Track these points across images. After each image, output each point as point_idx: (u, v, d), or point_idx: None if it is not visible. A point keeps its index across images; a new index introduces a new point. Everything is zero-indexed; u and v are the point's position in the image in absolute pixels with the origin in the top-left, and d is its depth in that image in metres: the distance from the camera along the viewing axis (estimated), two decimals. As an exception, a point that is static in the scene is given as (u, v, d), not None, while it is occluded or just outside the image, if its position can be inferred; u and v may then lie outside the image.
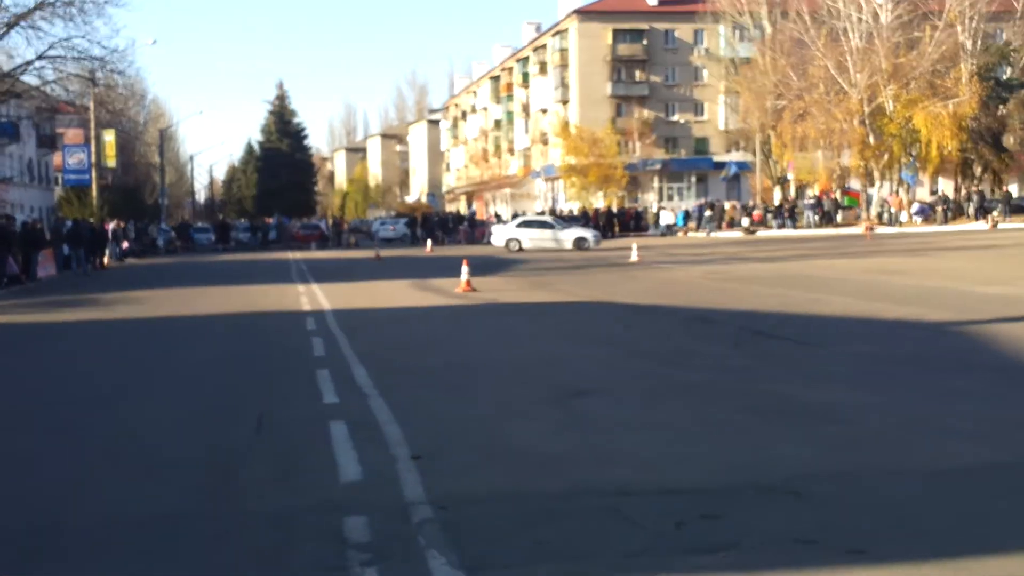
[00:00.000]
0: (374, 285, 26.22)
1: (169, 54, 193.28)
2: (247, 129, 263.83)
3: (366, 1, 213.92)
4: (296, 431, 8.39)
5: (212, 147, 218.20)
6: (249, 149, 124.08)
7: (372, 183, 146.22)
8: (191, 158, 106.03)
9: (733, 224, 62.80)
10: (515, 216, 71.85)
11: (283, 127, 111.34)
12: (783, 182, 68.24)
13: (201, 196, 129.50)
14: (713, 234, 59.72)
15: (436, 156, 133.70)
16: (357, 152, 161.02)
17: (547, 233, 45.03)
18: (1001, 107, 61.98)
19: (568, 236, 44.67)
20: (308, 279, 28.77)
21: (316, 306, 19.88)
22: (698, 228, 63.08)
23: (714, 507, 5.93)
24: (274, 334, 15.99)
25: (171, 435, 8.52)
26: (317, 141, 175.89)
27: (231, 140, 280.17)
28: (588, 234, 45.55)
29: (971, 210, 57.42)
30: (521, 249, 43.83)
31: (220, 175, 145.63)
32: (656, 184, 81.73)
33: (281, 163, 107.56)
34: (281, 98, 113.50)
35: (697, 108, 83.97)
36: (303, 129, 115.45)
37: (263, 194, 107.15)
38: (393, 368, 11.56)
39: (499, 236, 46.64)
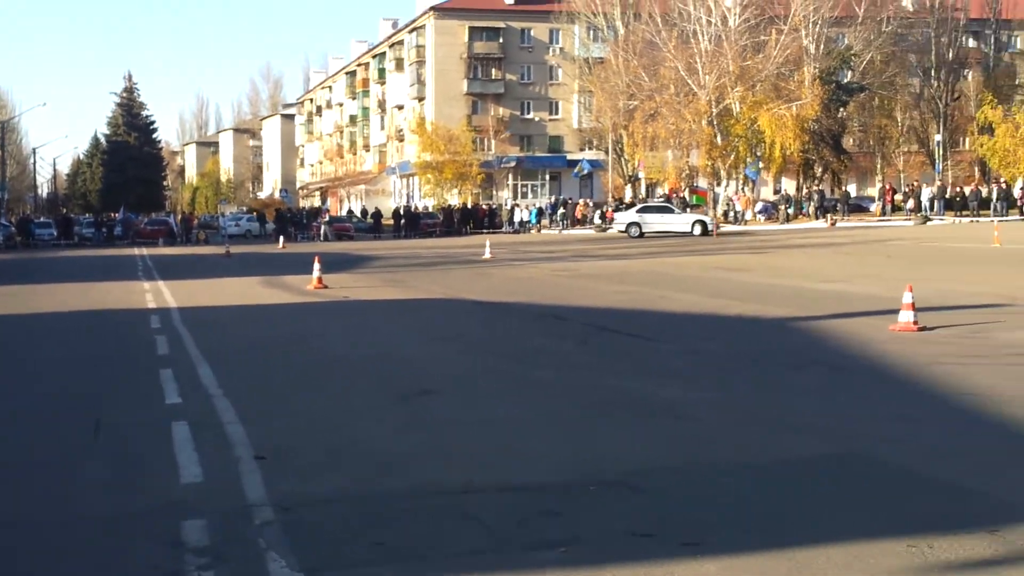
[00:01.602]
0: (223, 282, 25.74)
1: (11, 44, 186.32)
2: (94, 122, 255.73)
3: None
4: (136, 433, 8.19)
5: (56, 140, 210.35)
6: (95, 142, 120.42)
7: (224, 178, 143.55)
8: (34, 151, 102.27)
9: (585, 221, 63.62)
10: (365, 212, 71.79)
11: (131, 120, 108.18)
12: (634, 180, 69.38)
13: (44, 190, 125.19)
14: (565, 231, 60.44)
15: (290, 151, 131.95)
16: (208, 146, 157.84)
17: (667, 217, 47.16)
18: (841, 110, 64.25)
19: (687, 220, 47.16)
20: (154, 276, 28.10)
21: (161, 304, 19.41)
22: (551, 225, 63.76)
23: (555, 503, 6.02)
24: (116, 333, 15.57)
25: (3, 438, 8.24)
26: (167, 134, 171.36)
27: (77, 133, 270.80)
28: (705, 218, 48.53)
29: (812, 209, 59.30)
30: (642, 234, 45.48)
31: (65, 169, 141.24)
32: (511, 181, 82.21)
33: (129, 157, 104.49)
34: (129, 90, 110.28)
35: (552, 107, 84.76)
36: (152, 122, 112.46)
37: (109, 189, 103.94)
38: (239, 367, 11.40)
39: (619, 221, 48.63)
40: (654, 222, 46.66)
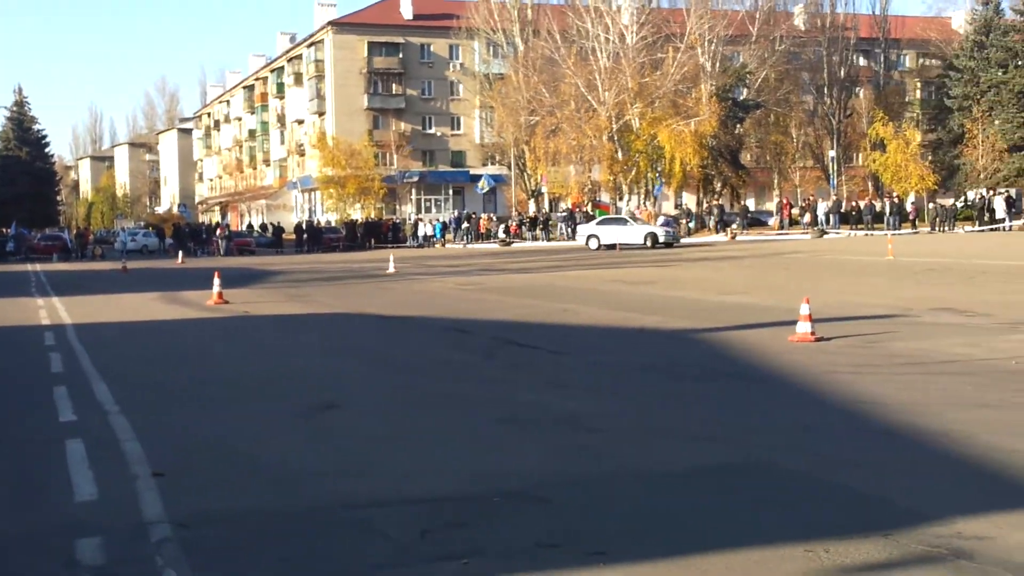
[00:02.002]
0: (120, 298, 25.22)
1: None
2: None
3: (111, 3, 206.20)
4: (28, 451, 7.98)
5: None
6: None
7: (120, 193, 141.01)
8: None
9: (490, 236, 63.77)
10: (265, 226, 71.14)
11: (22, 134, 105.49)
12: (537, 195, 69.79)
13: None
14: (470, 245, 60.51)
15: (188, 166, 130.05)
16: (103, 161, 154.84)
17: (623, 229, 47.16)
18: (738, 126, 65.54)
19: (641, 232, 46.87)
20: (48, 292, 27.41)
21: (56, 320, 18.96)
22: (455, 240, 63.79)
23: (460, 515, 6.00)
24: (8, 350, 15.18)
25: None
26: (60, 148, 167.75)
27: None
28: (659, 230, 47.58)
29: (712, 223, 60.27)
30: (600, 246, 46.14)
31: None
32: (414, 196, 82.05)
33: (20, 171, 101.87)
34: (20, 104, 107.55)
35: (454, 122, 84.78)
36: (44, 136, 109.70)
37: (0, 204, 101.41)
38: (137, 384, 11.16)
39: (581, 234, 49.42)
40: (611, 234, 47.12)
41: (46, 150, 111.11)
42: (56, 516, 6.16)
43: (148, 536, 5.73)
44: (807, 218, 58.39)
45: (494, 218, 67.48)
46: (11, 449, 8.10)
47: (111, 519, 6.05)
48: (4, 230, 75.25)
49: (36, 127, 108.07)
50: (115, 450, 7.82)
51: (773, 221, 64.25)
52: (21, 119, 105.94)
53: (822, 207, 58.16)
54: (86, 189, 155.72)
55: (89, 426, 8.73)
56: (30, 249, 60.43)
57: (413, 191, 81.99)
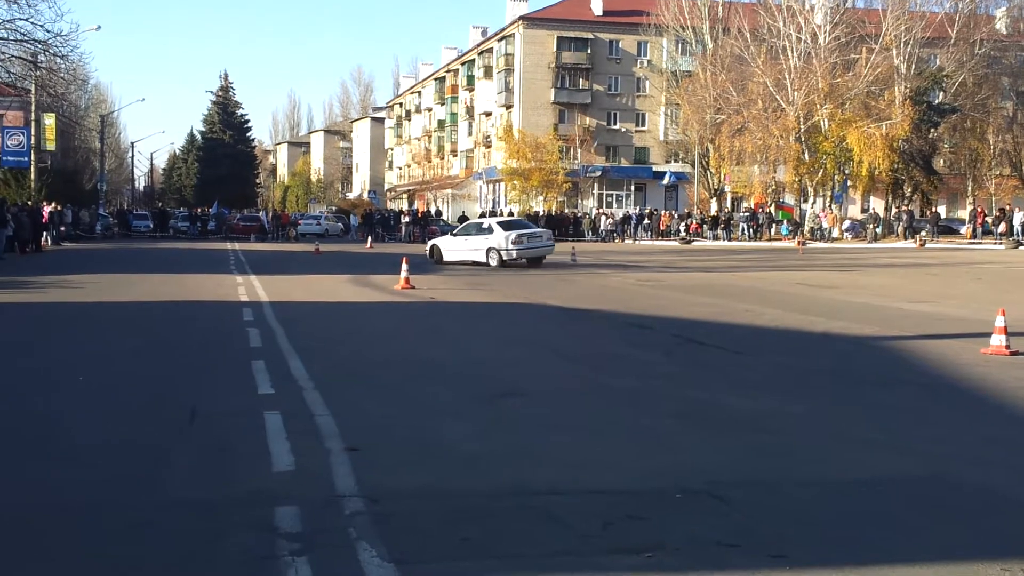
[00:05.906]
0: (312, 279, 26.12)
1: (113, 40, 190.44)
2: (189, 118, 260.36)
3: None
4: (229, 421, 8.39)
5: (153, 135, 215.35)
6: (191, 138, 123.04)
7: (314, 178, 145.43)
8: (132, 145, 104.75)
9: (670, 233, 63.38)
10: (439, 213, 71.86)
11: (226, 118, 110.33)
12: (719, 194, 68.98)
13: (141, 184, 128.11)
14: (650, 242, 60.25)
15: (379, 154, 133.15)
16: (300, 146, 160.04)
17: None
18: (932, 131, 63.13)
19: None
20: (246, 270, 28.59)
21: (253, 297, 19.80)
22: (636, 235, 63.64)
23: (640, 509, 6.07)
24: (210, 324, 15.90)
25: (99, 423, 8.47)
26: (260, 133, 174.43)
27: (173, 129, 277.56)
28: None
29: (900, 229, 58.42)
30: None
31: (161, 163, 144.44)
32: (596, 190, 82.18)
33: (223, 154, 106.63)
34: (225, 89, 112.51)
35: (638, 118, 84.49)
36: (247, 121, 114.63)
37: (203, 184, 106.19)
38: (329, 361, 11.59)
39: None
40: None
41: (248, 134, 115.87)
42: (257, 485, 6.49)
43: (342, 508, 6.00)
44: (1002, 228, 55.96)
45: (675, 215, 67.01)
46: (215, 418, 8.55)
47: (306, 490, 6.35)
48: (206, 208, 78.68)
49: (240, 112, 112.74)
50: (310, 424, 8.18)
51: (965, 230, 61.81)
52: (226, 104, 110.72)
53: (1018, 217, 55.66)
54: (282, 173, 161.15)
55: (285, 400, 9.14)
56: (229, 229, 63.03)
57: (595, 186, 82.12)
